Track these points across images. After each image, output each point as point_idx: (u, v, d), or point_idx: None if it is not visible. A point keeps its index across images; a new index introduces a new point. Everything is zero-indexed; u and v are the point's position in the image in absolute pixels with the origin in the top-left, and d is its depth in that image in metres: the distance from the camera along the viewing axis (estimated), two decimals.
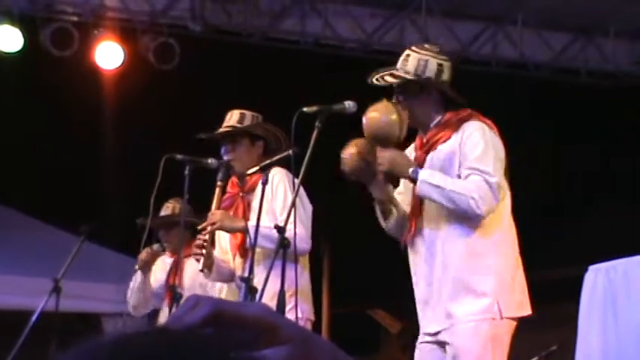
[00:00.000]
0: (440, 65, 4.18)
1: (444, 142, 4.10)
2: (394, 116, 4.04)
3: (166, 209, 6.00)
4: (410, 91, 4.15)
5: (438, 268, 4.07)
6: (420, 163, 4.12)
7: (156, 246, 5.87)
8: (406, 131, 4.10)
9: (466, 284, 4.01)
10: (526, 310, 4.09)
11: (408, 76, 4.13)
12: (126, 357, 0.68)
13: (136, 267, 5.85)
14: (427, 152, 4.14)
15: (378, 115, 4.05)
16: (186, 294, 5.47)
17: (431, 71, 4.15)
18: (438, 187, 3.96)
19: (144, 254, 5.79)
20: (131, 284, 5.90)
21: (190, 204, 5.37)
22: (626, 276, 4.23)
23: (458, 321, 4.00)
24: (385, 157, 4.02)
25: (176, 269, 5.74)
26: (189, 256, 5.39)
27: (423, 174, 3.99)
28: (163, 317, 5.85)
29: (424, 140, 4.18)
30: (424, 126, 4.19)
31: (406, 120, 4.08)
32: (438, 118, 4.16)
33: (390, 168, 4.04)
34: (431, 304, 4.10)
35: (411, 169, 4.01)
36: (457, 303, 4.01)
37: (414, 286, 4.20)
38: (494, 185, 3.95)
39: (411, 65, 4.16)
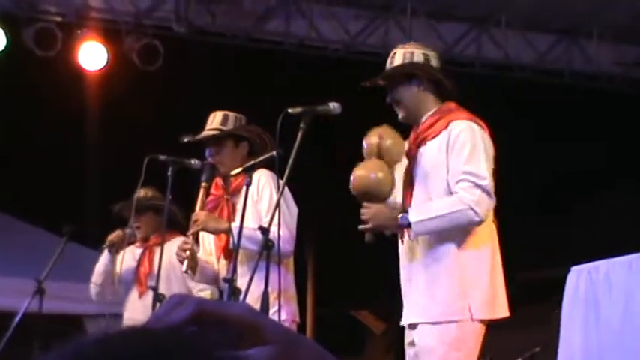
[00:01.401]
0: (426, 55, 4.22)
1: (433, 138, 4.11)
2: (380, 174, 4.09)
3: (138, 195, 5.96)
4: (400, 81, 4.16)
5: (417, 264, 4.08)
6: (412, 157, 4.14)
7: (128, 230, 5.85)
8: (394, 188, 4.14)
9: (440, 283, 4.01)
10: (500, 313, 4.07)
11: (391, 70, 4.16)
12: (109, 357, 0.68)
13: (104, 246, 5.82)
14: (418, 147, 4.15)
15: (366, 172, 4.10)
16: (161, 284, 5.48)
17: (418, 61, 4.19)
18: (433, 218, 3.96)
19: (114, 235, 5.78)
20: (97, 266, 5.87)
21: (174, 204, 5.36)
22: (607, 277, 4.24)
23: (426, 319, 4.01)
24: (370, 213, 4.05)
25: (149, 257, 5.74)
26: (159, 244, 5.39)
27: (413, 216, 3.98)
28: (132, 309, 5.81)
29: (416, 135, 4.19)
30: (417, 120, 4.19)
31: (393, 177, 4.11)
32: (430, 112, 4.17)
33: (376, 225, 4.06)
34: (407, 298, 4.13)
35: (399, 219, 4.01)
36: (429, 301, 4.02)
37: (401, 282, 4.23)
38: (486, 187, 3.96)
39: (398, 60, 4.20)
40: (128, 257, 5.89)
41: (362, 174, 4.10)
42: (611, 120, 9.06)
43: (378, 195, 4.09)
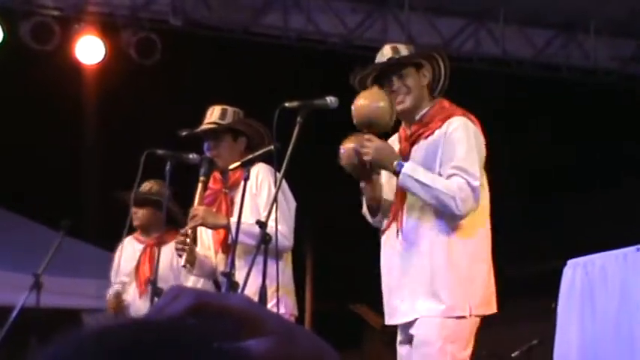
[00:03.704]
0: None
1: (427, 137, 4.11)
2: (382, 103, 4.06)
3: (144, 187, 5.93)
4: (408, 72, 4.15)
5: (414, 260, 4.08)
6: (404, 156, 4.13)
7: (117, 286, 5.81)
8: (394, 117, 4.12)
9: (441, 279, 4.02)
10: (493, 309, 4.12)
11: (408, 55, 4.15)
12: (109, 349, 0.68)
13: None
14: (412, 145, 4.15)
15: (367, 101, 4.07)
16: (160, 284, 5.46)
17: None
18: (420, 182, 3.97)
19: (113, 306, 5.69)
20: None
21: (172, 199, 5.35)
22: (603, 270, 4.26)
23: (427, 314, 4.02)
24: (371, 146, 4.03)
25: (149, 257, 5.72)
26: (163, 243, 5.34)
27: (407, 167, 4.00)
28: (134, 310, 5.77)
29: (409, 133, 4.19)
30: (410, 117, 4.19)
31: (394, 106, 4.09)
32: (424, 110, 4.17)
33: (375, 158, 4.04)
34: (401, 295, 4.11)
35: (395, 162, 4.02)
36: (429, 297, 4.03)
37: (383, 275, 4.21)
38: (477, 189, 3.97)
39: (406, 52, 4.19)
40: (129, 253, 5.89)
41: (363, 103, 4.07)
42: (606, 115, 9.06)
43: (380, 124, 4.06)
